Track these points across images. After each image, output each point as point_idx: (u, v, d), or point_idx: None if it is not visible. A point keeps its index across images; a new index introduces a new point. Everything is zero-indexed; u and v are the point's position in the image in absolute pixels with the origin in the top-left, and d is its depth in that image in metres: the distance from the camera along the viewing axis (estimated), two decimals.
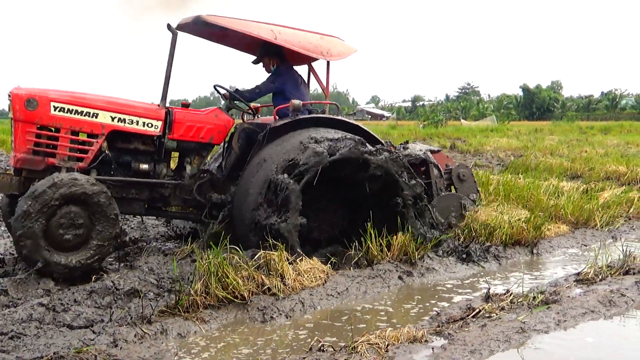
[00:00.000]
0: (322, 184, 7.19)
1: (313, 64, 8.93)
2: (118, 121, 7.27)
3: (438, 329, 5.44)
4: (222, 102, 8.38)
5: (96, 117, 7.18)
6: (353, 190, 7.81)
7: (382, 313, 6.31)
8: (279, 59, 8.41)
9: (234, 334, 5.62)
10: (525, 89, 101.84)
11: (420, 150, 8.94)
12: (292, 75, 8.52)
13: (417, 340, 5.07)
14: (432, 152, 9.07)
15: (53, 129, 7.10)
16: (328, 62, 8.45)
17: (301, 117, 7.88)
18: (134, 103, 7.64)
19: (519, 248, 8.78)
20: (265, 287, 6.27)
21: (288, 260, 6.65)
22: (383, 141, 8.68)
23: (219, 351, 5.22)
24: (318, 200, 7.75)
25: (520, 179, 13.22)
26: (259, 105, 9.28)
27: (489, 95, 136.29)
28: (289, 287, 6.37)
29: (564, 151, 23.78)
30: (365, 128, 8.29)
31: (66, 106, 7.05)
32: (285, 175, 6.97)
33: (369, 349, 4.83)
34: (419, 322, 5.87)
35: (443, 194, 8.66)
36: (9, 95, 7.02)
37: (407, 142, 9.59)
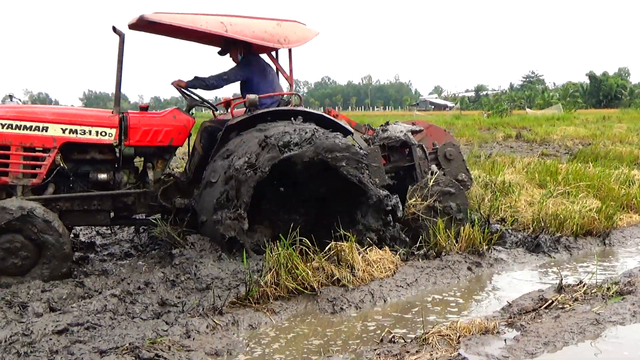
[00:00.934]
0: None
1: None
2: (70, 132, 7.00)
3: (510, 320, 5.33)
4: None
5: (46, 131, 6.91)
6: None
7: (452, 304, 6.23)
8: (245, 47, 7.92)
9: (304, 324, 5.62)
10: (591, 76, 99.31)
11: (401, 131, 8.34)
12: (259, 64, 8.05)
13: (489, 332, 4.97)
14: (414, 132, 8.55)
15: (2, 147, 6.87)
16: (290, 50, 7.97)
17: (258, 111, 7.41)
18: (86, 112, 7.46)
19: (590, 238, 8.57)
20: (334, 278, 6.25)
21: (358, 251, 6.61)
22: (361, 124, 8.51)
23: (289, 342, 5.22)
24: (285, 197, 7.52)
25: (589, 167, 12.90)
26: (232, 98, 8.83)
27: (554, 84, 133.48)
28: (358, 278, 6.33)
29: (633, 139, 23.11)
30: (330, 117, 7.81)
31: (14, 122, 6.84)
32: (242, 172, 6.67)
33: (440, 341, 4.76)
34: (490, 313, 5.77)
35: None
36: None
37: (387, 123, 8.97)
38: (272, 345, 5.12)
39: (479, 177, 11.14)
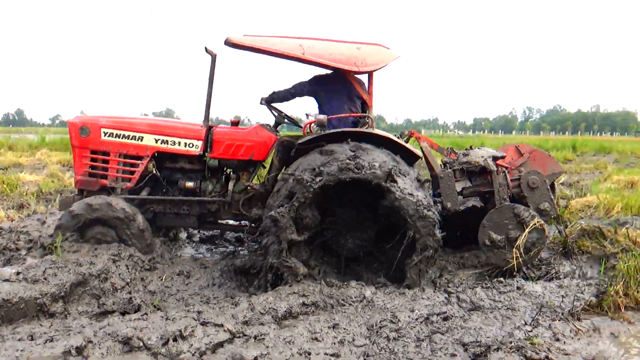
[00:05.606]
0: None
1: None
2: (161, 143, 7.55)
3: None
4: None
5: (141, 140, 7.54)
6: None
7: None
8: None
9: None
10: None
11: (482, 156, 7.86)
12: (328, 83, 7.69)
13: None
14: (496, 158, 7.90)
15: (104, 153, 7.58)
16: (370, 73, 7.49)
17: (325, 132, 7.01)
18: (177, 124, 7.79)
19: None
20: None
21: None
22: (444, 148, 8.07)
23: None
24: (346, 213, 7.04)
25: None
26: (332, 116, 7.70)
27: None
28: None
29: None
30: (400, 141, 7.13)
31: (114, 131, 7.52)
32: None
33: None
34: None
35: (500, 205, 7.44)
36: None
37: (470, 147, 8.57)
38: None
39: None
